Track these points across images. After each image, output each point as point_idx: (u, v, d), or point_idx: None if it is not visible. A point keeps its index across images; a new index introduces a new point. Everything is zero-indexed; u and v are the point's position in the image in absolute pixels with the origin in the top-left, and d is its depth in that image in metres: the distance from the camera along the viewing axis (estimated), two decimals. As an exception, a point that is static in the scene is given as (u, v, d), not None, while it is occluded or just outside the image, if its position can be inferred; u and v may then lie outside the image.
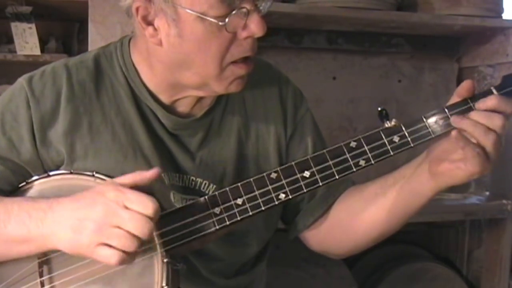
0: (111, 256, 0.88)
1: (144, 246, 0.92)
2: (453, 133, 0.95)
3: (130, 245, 0.88)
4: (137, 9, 1.00)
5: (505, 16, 2.21)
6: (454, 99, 0.99)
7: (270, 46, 2.16)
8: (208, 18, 0.97)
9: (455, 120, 0.96)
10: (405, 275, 2.23)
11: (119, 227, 0.88)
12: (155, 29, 1.01)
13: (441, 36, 2.36)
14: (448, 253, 2.47)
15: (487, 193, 2.29)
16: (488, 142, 0.93)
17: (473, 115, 0.95)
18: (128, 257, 0.89)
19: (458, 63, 2.43)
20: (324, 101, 2.28)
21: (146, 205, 0.89)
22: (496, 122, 0.93)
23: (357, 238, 1.16)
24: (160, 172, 0.96)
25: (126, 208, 0.89)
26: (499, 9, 2.18)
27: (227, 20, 0.97)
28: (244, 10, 0.98)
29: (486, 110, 0.95)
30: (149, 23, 1.01)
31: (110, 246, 0.88)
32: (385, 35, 2.30)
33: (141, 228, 0.88)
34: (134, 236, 0.88)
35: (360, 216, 1.13)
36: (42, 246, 0.95)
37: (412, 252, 2.42)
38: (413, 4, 2.18)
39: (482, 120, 0.94)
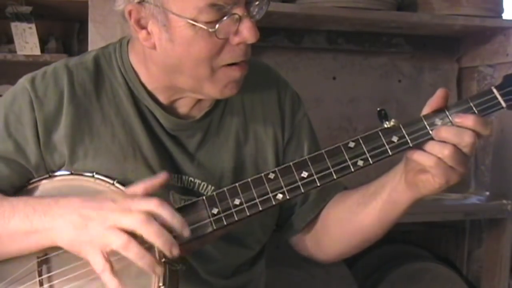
0: (100, 265, 0.89)
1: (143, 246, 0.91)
2: (409, 153, 0.97)
3: (130, 248, 0.88)
4: (129, 12, 1.01)
5: (505, 16, 2.21)
6: (426, 110, 0.98)
7: (270, 46, 2.16)
8: (198, 24, 0.96)
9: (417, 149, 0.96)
10: (405, 275, 2.23)
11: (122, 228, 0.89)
12: (149, 33, 1.01)
13: (441, 36, 2.36)
14: (448, 253, 2.47)
15: (487, 193, 2.29)
16: (454, 161, 0.94)
17: (443, 132, 0.95)
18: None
19: (458, 63, 2.43)
20: (324, 101, 2.28)
21: (149, 201, 0.91)
22: (466, 139, 0.93)
23: (341, 245, 1.18)
24: (168, 176, 0.98)
25: (132, 211, 0.90)
26: (499, 9, 2.18)
27: (217, 26, 0.96)
28: (236, 16, 0.97)
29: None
30: (143, 27, 1.01)
31: (106, 252, 0.89)
32: (385, 35, 2.30)
33: (144, 227, 0.89)
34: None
35: (345, 225, 1.14)
36: (43, 240, 0.95)
37: (412, 252, 2.42)
38: (413, 4, 2.18)
39: (452, 139, 0.94)
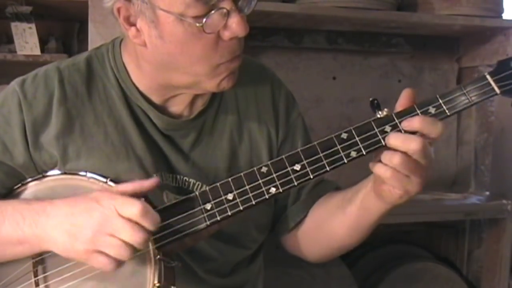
0: (106, 265, 0.91)
1: (138, 252, 0.93)
2: (370, 164, 0.95)
3: (123, 254, 0.90)
4: (118, 9, 1.00)
5: (505, 16, 2.21)
6: (398, 109, 0.97)
7: (270, 46, 2.16)
8: (187, 19, 0.95)
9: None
10: (405, 275, 2.23)
11: (113, 236, 0.90)
12: (138, 30, 1.00)
13: (441, 36, 2.36)
14: (448, 253, 2.47)
15: (487, 193, 2.29)
16: (407, 169, 0.92)
17: (392, 139, 0.93)
18: (122, 263, 0.92)
19: (458, 63, 2.43)
20: (324, 101, 2.28)
21: (134, 206, 0.90)
22: (412, 146, 0.91)
23: (321, 248, 1.19)
24: (159, 182, 0.98)
25: (120, 215, 0.90)
26: (499, 9, 2.18)
27: (204, 20, 0.94)
28: (224, 10, 0.95)
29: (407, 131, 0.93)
30: (132, 24, 1.00)
31: (105, 254, 0.90)
32: (385, 35, 2.30)
33: (134, 236, 0.89)
34: (127, 244, 0.90)
35: (324, 229, 1.15)
36: (36, 247, 0.97)
37: (412, 252, 2.42)
38: (413, 4, 2.18)
39: (401, 146, 0.92)
